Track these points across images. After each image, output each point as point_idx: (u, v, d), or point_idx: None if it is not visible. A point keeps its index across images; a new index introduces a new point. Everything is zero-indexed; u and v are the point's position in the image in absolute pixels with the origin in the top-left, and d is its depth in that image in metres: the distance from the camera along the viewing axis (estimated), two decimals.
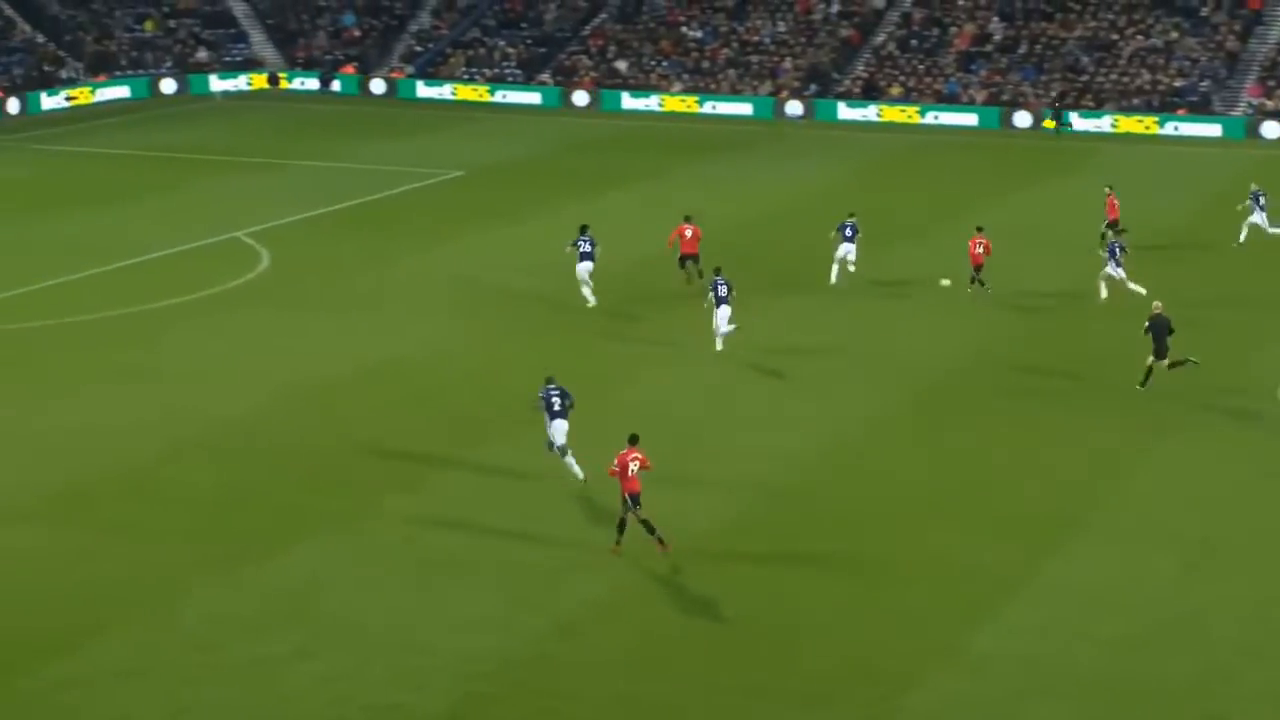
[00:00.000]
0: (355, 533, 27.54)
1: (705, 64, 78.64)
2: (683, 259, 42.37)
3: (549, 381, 30.14)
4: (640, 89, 77.46)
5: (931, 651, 23.54)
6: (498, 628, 24.17)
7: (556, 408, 29.69)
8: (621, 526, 26.55)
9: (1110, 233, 45.24)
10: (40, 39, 79.58)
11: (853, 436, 32.31)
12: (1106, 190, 47.39)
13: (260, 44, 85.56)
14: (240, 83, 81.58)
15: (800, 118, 73.86)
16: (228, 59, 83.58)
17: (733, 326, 37.07)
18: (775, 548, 27.10)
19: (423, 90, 79.60)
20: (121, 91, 78.08)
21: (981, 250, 41.60)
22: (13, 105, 72.74)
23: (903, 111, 72.68)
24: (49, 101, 74.59)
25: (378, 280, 44.16)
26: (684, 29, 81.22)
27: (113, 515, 28.31)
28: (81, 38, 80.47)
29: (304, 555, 26.65)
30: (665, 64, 79.14)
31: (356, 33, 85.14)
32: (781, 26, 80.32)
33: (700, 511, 28.34)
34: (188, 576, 25.76)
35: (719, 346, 37.20)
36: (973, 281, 41.79)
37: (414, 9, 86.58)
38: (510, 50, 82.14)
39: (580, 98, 76.99)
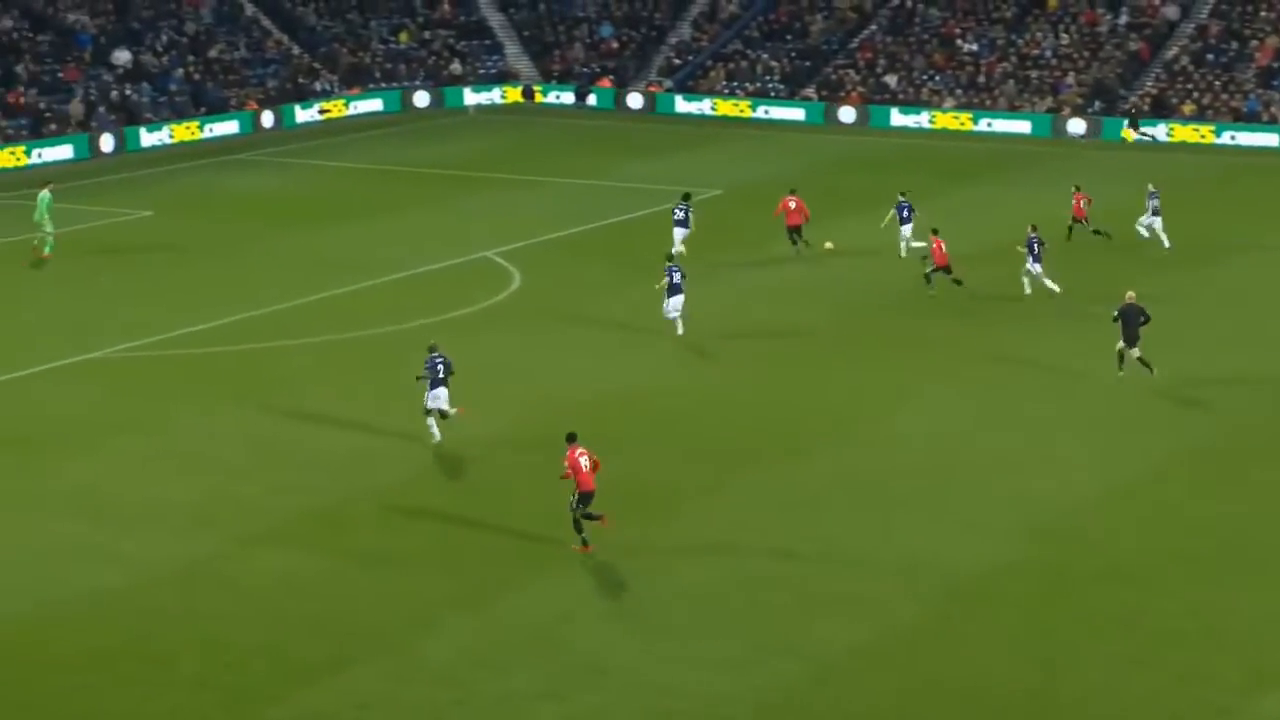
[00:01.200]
0: (600, 565, 28.26)
1: (981, 79, 78.29)
2: (790, 231, 48.72)
3: (432, 350, 34.21)
4: (910, 105, 77.46)
5: (1209, 714, 23.34)
6: (748, 670, 24.63)
7: (441, 375, 33.89)
8: (579, 525, 28.73)
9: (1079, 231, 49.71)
10: (296, 51, 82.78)
11: (1136, 474, 32.05)
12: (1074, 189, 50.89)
13: (515, 56, 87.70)
14: (494, 96, 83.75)
15: (1083, 136, 73.06)
16: (482, 71, 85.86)
17: (677, 314, 41.02)
18: (1045, 594, 27.08)
19: (681, 105, 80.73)
20: (374, 104, 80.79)
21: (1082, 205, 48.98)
22: (267, 118, 75.75)
23: (1196, 131, 71.42)
24: (303, 114, 77.52)
25: (627, 303, 45.04)
26: (959, 41, 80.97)
27: (363, 541, 29.54)
28: (336, 50, 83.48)
29: (550, 588, 27.50)
30: (937, 78, 78.98)
31: (614, 44, 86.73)
32: (1064, 39, 79.55)
33: (968, 551, 28.45)
34: (436, 608, 26.81)
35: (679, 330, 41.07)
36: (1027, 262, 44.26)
37: (674, 20, 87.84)
38: (774, 64, 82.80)
39: (846, 114, 77.28)
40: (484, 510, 30.80)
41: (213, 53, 79.05)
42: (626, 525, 29.72)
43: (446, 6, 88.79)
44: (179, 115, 73.58)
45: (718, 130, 75.35)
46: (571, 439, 29.07)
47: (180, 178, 64.91)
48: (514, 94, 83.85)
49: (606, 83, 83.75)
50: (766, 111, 78.99)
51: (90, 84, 73.18)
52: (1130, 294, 37.90)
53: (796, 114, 78.34)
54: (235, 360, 40.31)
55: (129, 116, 72.03)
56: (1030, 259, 43.99)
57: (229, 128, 74.09)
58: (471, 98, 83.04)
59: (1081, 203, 50.28)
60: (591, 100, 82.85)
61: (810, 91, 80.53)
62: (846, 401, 36.84)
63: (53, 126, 68.96)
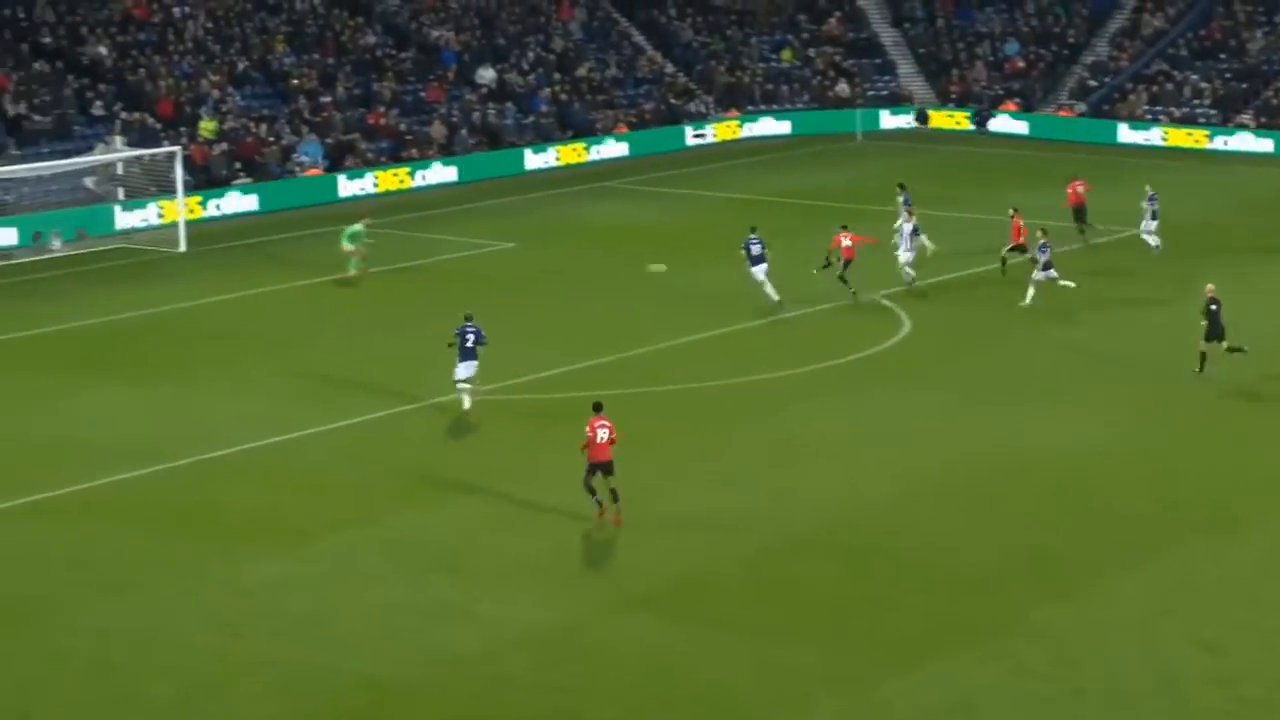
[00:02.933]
0: (1000, 649, 27.66)
1: None
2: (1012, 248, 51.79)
3: (467, 319, 38.36)
4: None
5: None
6: None
7: (468, 344, 37.84)
8: (591, 490, 32.05)
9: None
10: (669, 70, 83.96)
11: None
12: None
13: (908, 76, 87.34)
14: (897, 120, 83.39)
15: None
16: (871, 92, 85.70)
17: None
18: None
19: (1126, 134, 78.95)
20: (753, 129, 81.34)
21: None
22: (624, 146, 76.82)
23: None
24: (675, 139, 78.52)
25: (1034, 352, 44.26)
26: None
27: (732, 610, 29.47)
28: (713, 68, 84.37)
29: (944, 672, 26.98)
30: None
31: (1020, 64, 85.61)
32: None
33: None
34: (814, 687, 26.54)
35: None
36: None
37: (1090, 37, 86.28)
38: (1204, 85, 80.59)
39: None
40: (868, 585, 30.45)
41: (581, 71, 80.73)
42: (1029, 601, 29.00)
43: (834, 22, 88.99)
44: (544, 138, 75.31)
45: (1133, 160, 73.45)
46: (596, 408, 32.28)
47: (544, 207, 66.33)
48: (958, 118, 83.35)
49: (1011, 106, 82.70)
50: (1225, 142, 76.69)
51: (453, 104, 75.46)
52: (1210, 287, 41.05)
53: (1263, 145, 75.72)
54: (585, 408, 40.78)
55: (491, 139, 74.01)
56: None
57: (606, 151, 75.55)
58: (890, 120, 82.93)
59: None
60: (995, 125, 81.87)
61: (1247, 117, 78.07)
62: None
63: (413, 151, 71.24)
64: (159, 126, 66.44)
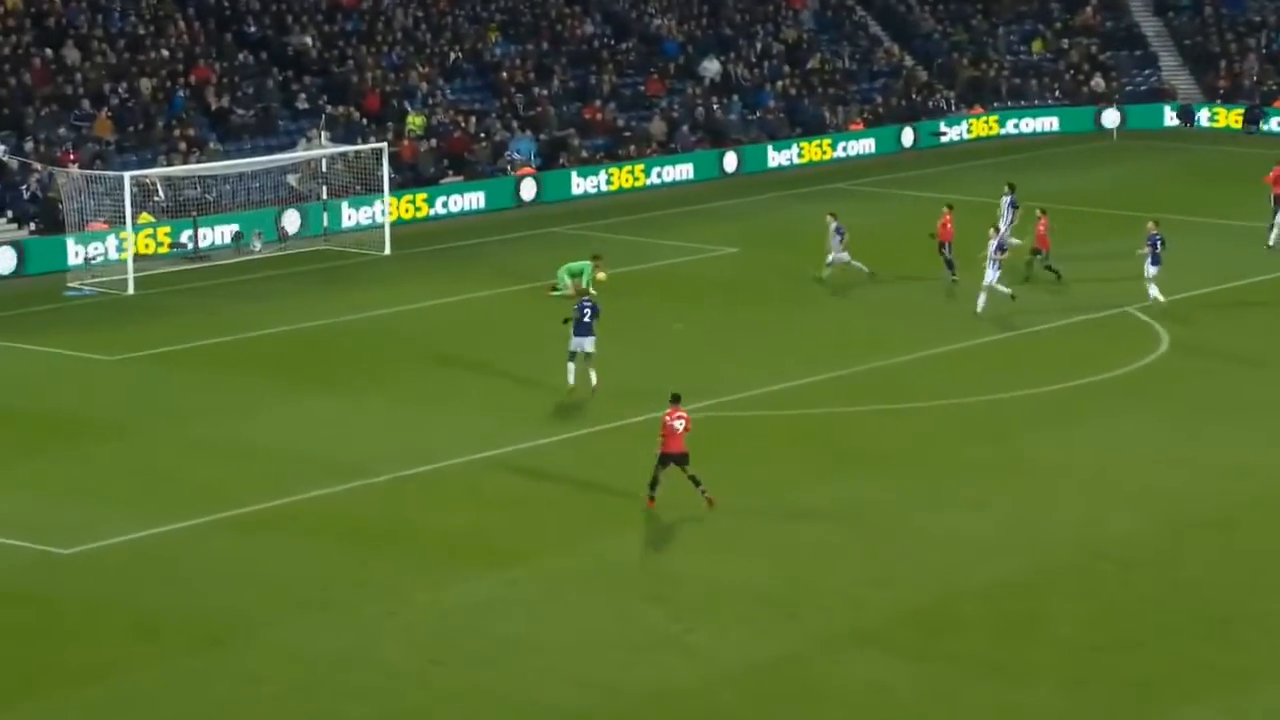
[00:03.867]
0: (1263, 699, 27.33)
1: None
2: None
3: (584, 295, 42.78)
4: None
5: None
6: None
7: (586, 319, 41.16)
8: (655, 484, 34.50)
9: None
10: (909, 62, 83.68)
11: None
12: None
13: (1172, 70, 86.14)
14: (1163, 118, 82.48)
15: None
16: (1130, 87, 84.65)
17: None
18: None
19: None
20: (992, 127, 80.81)
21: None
22: (869, 143, 76.77)
23: None
24: (913, 136, 78.28)
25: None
26: None
27: (971, 647, 29.40)
28: (956, 61, 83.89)
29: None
30: None
31: None
32: None
33: None
34: None
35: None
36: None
37: None
38: None
39: None
40: (1117, 622, 30.23)
41: (812, 63, 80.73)
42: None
43: (1090, 10, 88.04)
44: (770, 135, 75.47)
45: None
46: (675, 399, 34.71)
47: (772, 208, 66.46)
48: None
49: None
50: None
51: (674, 99, 75.86)
52: None
53: None
54: (817, 425, 40.97)
55: (714, 136, 74.31)
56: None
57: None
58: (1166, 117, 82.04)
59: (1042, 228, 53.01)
60: (1273, 124, 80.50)
61: None
62: None
63: (632, 148, 71.69)
64: (365, 121, 67.65)
